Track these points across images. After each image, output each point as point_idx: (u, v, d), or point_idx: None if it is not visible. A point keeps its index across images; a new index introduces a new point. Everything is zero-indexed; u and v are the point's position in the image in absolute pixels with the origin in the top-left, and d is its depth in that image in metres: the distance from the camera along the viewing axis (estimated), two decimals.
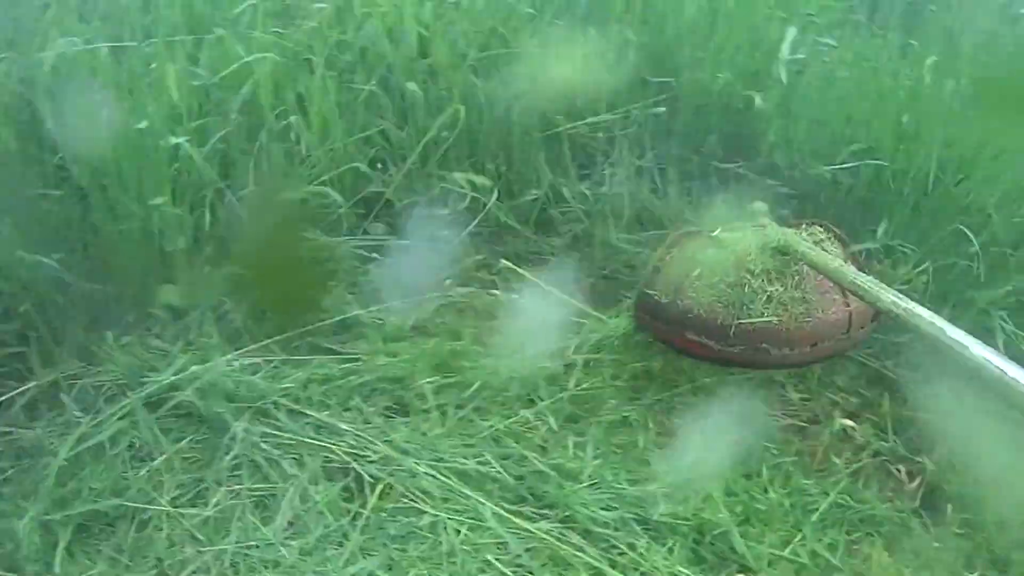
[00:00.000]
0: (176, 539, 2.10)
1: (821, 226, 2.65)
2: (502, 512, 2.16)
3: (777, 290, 2.46)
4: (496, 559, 2.07)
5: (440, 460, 2.27)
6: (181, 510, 2.15)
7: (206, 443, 2.31)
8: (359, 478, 2.22)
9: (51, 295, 2.45)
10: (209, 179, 2.61)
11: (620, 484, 2.24)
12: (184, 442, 2.30)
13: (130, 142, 2.45)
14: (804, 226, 2.63)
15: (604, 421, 2.43)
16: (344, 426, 2.34)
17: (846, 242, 2.66)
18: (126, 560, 2.05)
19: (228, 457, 2.26)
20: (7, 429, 2.31)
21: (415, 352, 2.55)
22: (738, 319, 2.44)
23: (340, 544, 2.09)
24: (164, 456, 2.25)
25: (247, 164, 2.69)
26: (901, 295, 2.17)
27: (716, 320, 2.45)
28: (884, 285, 2.23)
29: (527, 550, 2.09)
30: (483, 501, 2.18)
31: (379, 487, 2.20)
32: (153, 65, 2.64)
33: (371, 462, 2.26)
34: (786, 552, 2.13)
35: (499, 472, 2.25)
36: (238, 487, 2.21)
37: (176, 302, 2.56)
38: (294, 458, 2.27)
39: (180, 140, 2.52)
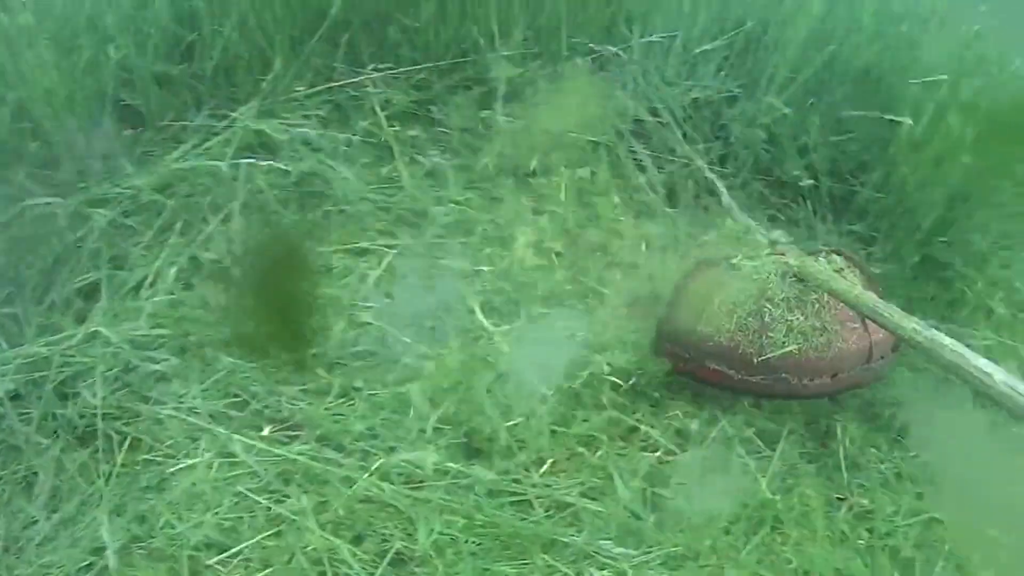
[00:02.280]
0: None
1: (840, 253, 2.64)
2: (250, 441, 2.19)
3: (798, 319, 2.45)
4: (247, 489, 2.09)
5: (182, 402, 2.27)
6: None
7: None
8: (108, 437, 2.21)
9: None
10: None
11: None
12: None
13: None
14: (824, 253, 2.62)
15: None
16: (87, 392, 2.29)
17: (866, 269, 2.64)
18: None
19: None
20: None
21: None
22: (759, 349, 2.42)
23: (96, 506, 2.08)
24: None
25: None
26: (922, 323, 2.14)
27: (737, 350, 2.43)
28: (905, 313, 2.21)
29: (278, 475, 2.12)
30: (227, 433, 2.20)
31: (126, 442, 2.20)
32: None
33: (116, 419, 2.25)
34: None
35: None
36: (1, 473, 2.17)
37: None
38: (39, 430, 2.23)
39: None
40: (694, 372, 2.52)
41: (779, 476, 2.37)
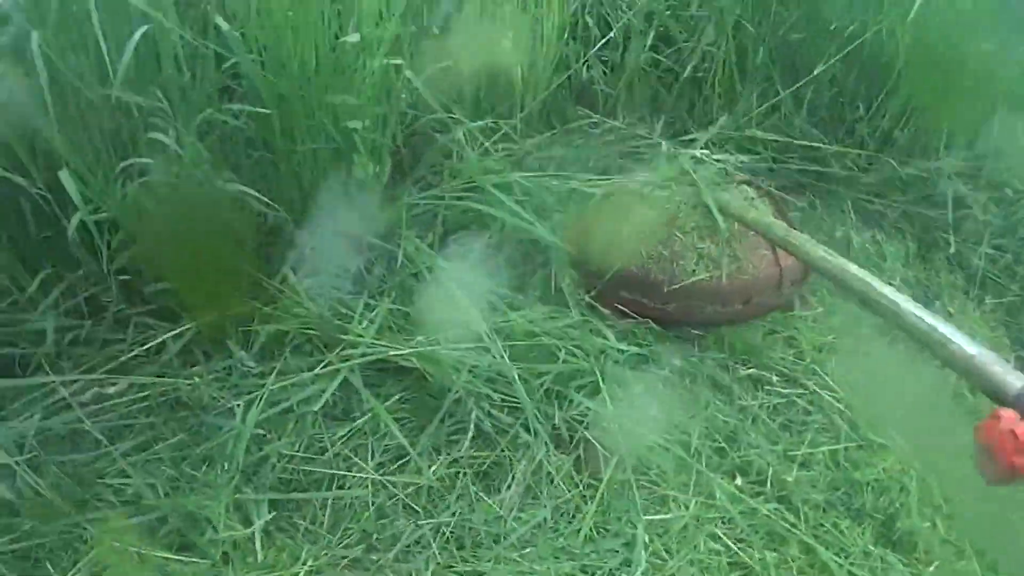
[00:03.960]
0: (387, 511, 1.95)
1: (750, 183, 2.72)
2: (729, 488, 2.19)
3: (708, 247, 2.53)
4: (723, 534, 2.10)
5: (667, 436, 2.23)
6: (390, 478, 1.99)
7: (418, 403, 2.13)
8: (592, 448, 2.15)
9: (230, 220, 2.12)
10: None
11: None
12: (392, 400, 2.10)
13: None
14: (735, 184, 2.69)
15: None
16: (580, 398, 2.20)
17: (776, 199, 2.73)
18: (327, 535, 1.90)
19: (449, 421, 2.10)
20: (154, 379, 2.02)
21: None
22: (671, 277, 2.49)
23: (573, 517, 2.03)
24: (367, 416, 2.06)
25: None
26: (831, 251, 2.22)
27: (648, 277, 2.50)
28: (814, 241, 2.29)
29: (749, 525, 2.13)
30: (711, 475, 2.19)
31: (613, 460, 2.14)
32: None
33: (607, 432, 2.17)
34: None
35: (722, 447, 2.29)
36: (458, 454, 2.06)
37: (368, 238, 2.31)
38: (523, 425, 2.12)
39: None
40: (611, 302, 2.57)
41: None
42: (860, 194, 3.19)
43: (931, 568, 2.20)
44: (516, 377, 2.13)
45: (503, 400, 2.14)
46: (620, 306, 2.55)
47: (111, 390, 2.04)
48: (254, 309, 2.16)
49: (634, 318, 2.54)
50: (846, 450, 2.38)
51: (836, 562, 2.09)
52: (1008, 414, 1.53)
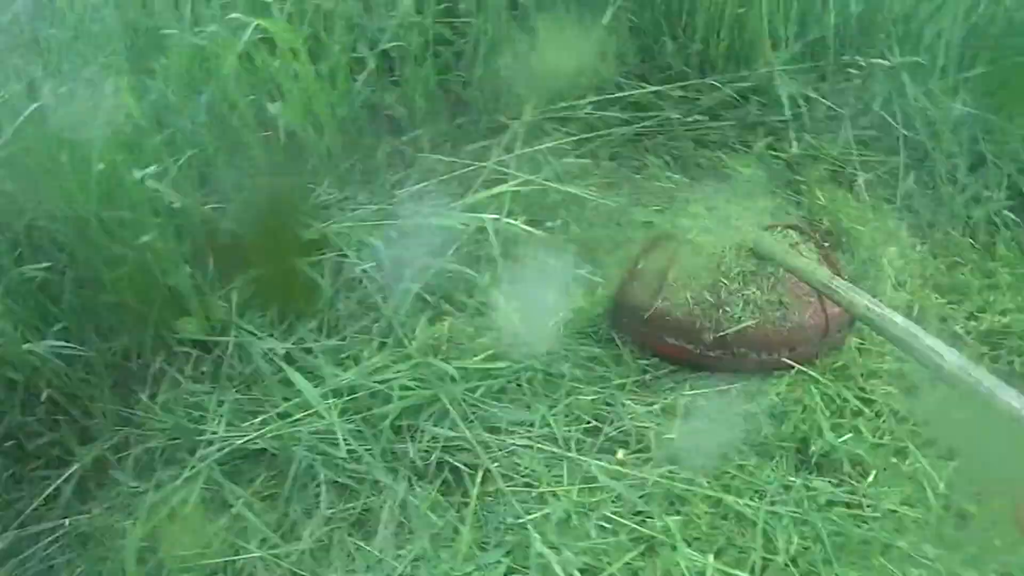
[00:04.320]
0: None
1: (796, 228, 2.61)
2: (610, 465, 2.18)
3: (753, 293, 2.44)
4: (613, 513, 2.08)
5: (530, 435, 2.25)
6: (272, 551, 2.06)
7: (281, 478, 2.20)
8: (456, 470, 2.18)
9: (68, 372, 2.29)
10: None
11: None
12: (258, 482, 2.20)
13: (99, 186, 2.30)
14: (779, 228, 2.59)
15: None
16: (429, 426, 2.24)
17: (822, 244, 2.61)
18: None
19: (311, 486, 2.17)
20: (60, 522, 2.18)
21: None
22: (716, 323, 2.41)
23: (452, 541, 2.06)
24: (241, 500, 2.15)
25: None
26: (876, 300, 2.12)
27: (694, 324, 2.42)
28: (859, 289, 2.18)
29: (641, 496, 2.12)
30: (585, 458, 2.20)
31: (479, 474, 2.16)
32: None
33: (464, 450, 2.20)
34: None
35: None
36: (328, 513, 2.13)
37: (199, 335, 2.43)
38: (380, 467, 2.17)
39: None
40: (654, 348, 2.51)
41: None
42: (698, 128, 3.06)
43: (869, 479, 2.16)
44: (347, 430, 2.19)
45: (350, 452, 2.18)
46: (663, 351, 2.51)
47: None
48: (128, 436, 2.31)
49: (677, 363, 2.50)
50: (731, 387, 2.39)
51: (751, 507, 2.07)
52: None
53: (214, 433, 2.25)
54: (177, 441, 2.27)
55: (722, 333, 2.40)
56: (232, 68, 2.42)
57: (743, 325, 2.40)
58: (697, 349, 2.44)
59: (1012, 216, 2.93)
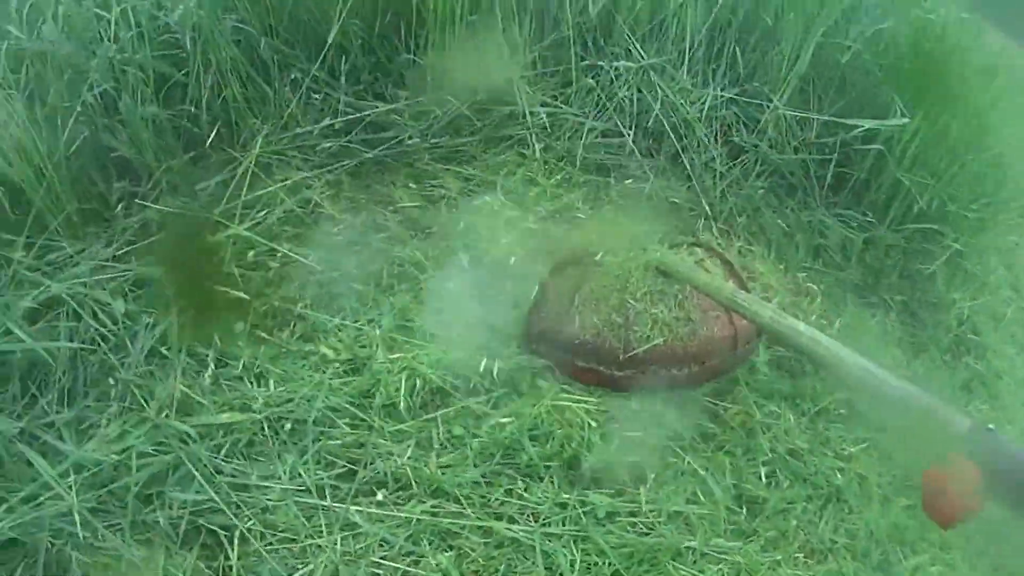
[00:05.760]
0: None
1: (700, 246, 2.68)
2: (369, 508, 2.12)
3: (661, 312, 2.47)
4: (382, 558, 2.04)
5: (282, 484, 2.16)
6: None
7: (37, 566, 2.04)
8: (213, 534, 2.07)
9: None
10: None
11: None
12: (17, 574, 2.02)
13: None
14: (685, 247, 2.66)
15: None
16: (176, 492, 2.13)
17: (727, 261, 2.69)
18: None
19: (71, 568, 2.02)
20: None
21: None
22: (626, 344, 2.43)
23: None
24: None
25: None
26: (780, 311, 2.20)
27: (604, 345, 2.44)
28: (763, 302, 2.27)
29: (408, 537, 2.07)
30: (343, 506, 2.12)
31: (236, 535, 2.07)
32: None
33: (217, 511, 2.09)
34: None
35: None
36: None
37: None
38: (137, 540, 2.05)
39: None
40: (566, 371, 2.51)
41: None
42: (440, 147, 2.98)
43: (645, 486, 2.19)
44: (91, 507, 2.06)
45: (93, 532, 2.05)
46: (575, 375, 2.50)
47: None
48: None
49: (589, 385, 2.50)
50: (476, 415, 2.29)
51: (525, 531, 2.06)
52: (955, 456, 1.57)
53: None
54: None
55: (631, 353, 2.42)
56: None
57: (652, 344, 2.43)
58: (608, 370, 2.46)
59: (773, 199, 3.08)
